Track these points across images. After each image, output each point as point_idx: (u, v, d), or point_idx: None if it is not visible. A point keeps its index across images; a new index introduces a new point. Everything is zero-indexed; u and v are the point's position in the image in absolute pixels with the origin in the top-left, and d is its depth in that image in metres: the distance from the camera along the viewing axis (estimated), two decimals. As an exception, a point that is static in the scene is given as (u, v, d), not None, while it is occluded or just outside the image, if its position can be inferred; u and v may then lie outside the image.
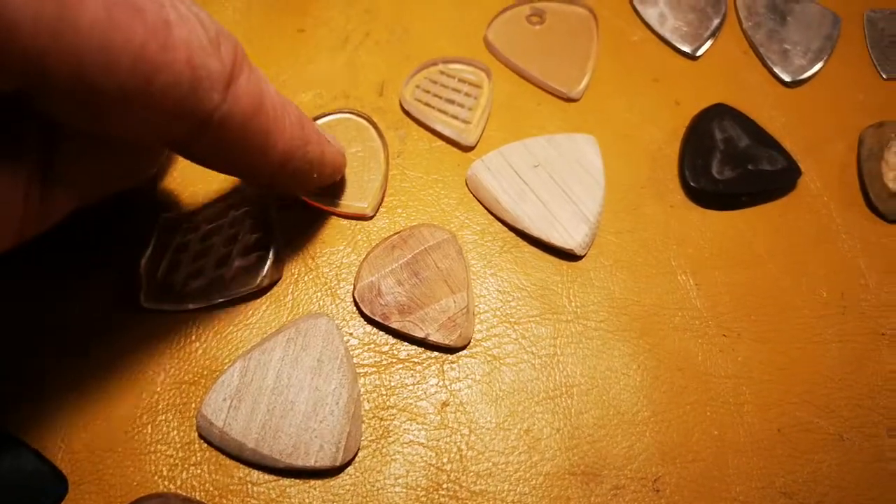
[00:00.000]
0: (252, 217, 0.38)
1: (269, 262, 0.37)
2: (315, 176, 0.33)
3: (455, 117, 0.44)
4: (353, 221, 0.41)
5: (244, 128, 0.26)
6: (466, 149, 0.44)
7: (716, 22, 0.50)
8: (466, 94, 0.45)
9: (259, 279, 0.36)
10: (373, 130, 0.43)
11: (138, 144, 0.30)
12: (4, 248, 0.25)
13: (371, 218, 0.41)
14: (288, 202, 0.40)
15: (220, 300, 0.36)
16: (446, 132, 0.43)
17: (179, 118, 0.23)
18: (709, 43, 0.50)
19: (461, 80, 0.46)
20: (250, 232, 0.37)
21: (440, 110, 0.44)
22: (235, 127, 0.25)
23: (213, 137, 0.25)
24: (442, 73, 0.46)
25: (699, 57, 0.50)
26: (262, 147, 0.27)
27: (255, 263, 0.37)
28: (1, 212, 0.24)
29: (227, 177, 0.40)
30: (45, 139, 0.25)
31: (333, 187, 0.40)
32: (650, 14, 0.51)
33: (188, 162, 0.28)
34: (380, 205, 0.41)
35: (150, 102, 0.21)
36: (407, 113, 0.45)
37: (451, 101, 0.45)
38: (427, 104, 0.44)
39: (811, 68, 0.49)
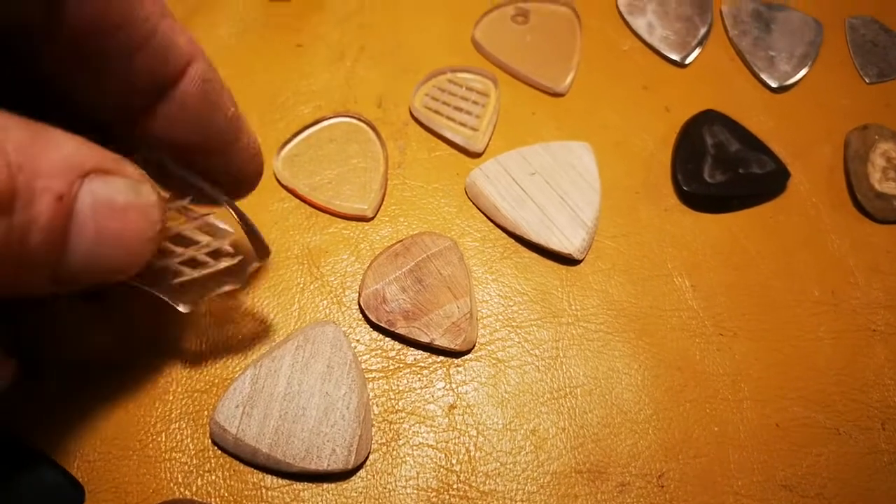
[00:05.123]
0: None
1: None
2: (232, 110, 0.29)
3: (463, 124, 0.45)
4: (356, 231, 0.41)
5: None
6: (474, 155, 0.45)
7: (703, 30, 0.52)
8: (474, 102, 0.46)
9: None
10: (371, 133, 0.44)
11: None
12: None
13: (371, 219, 0.42)
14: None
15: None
16: (455, 139, 0.45)
17: None
18: (696, 51, 0.51)
19: (469, 89, 0.47)
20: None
21: (448, 117, 0.46)
22: None
23: None
24: (450, 81, 0.47)
25: (688, 65, 0.51)
26: None
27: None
28: None
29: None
30: None
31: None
32: (639, 24, 0.52)
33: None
34: (379, 206, 0.42)
35: None
36: (416, 120, 0.46)
37: (460, 109, 0.46)
38: (436, 111, 0.46)
39: (796, 74, 0.51)
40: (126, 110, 0.26)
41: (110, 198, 0.23)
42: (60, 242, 0.22)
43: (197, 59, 0.27)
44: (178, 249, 0.30)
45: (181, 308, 0.32)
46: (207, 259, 0.31)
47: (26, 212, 0.20)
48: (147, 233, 0.25)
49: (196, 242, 0.30)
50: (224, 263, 0.31)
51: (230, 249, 0.31)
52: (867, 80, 0.52)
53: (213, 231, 0.31)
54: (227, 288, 0.32)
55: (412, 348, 0.39)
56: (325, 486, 0.35)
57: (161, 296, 0.32)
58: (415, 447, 0.36)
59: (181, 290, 0.32)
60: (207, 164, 0.30)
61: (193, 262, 0.31)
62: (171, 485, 0.34)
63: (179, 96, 0.27)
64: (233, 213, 0.30)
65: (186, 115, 0.27)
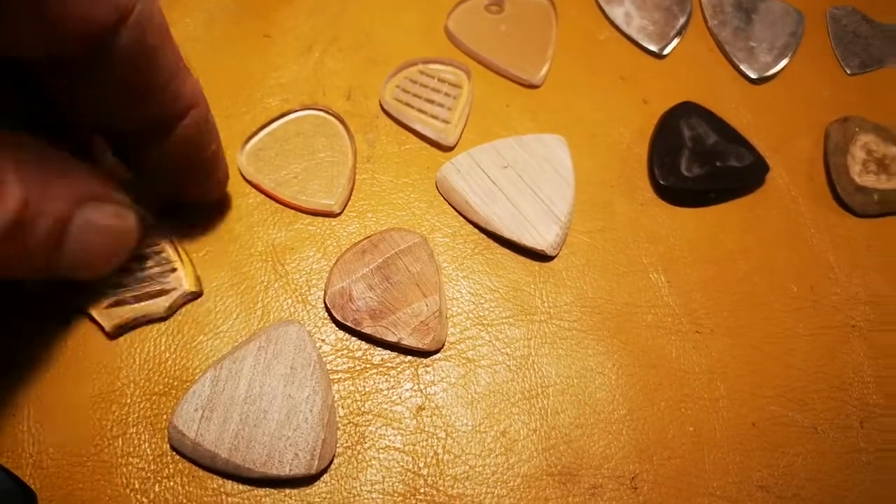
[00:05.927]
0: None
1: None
2: (213, 147, 0.34)
3: (435, 117, 0.44)
4: (322, 227, 0.40)
5: (147, 45, 0.28)
6: (446, 149, 0.44)
7: (682, 20, 0.51)
8: (446, 94, 0.45)
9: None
10: (339, 126, 0.43)
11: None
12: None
13: (338, 215, 0.41)
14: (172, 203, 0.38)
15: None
16: (426, 132, 0.43)
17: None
18: (675, 41, 0.50)
19: (441, 80, 0.46)
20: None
21: (419, 110, 0.44)
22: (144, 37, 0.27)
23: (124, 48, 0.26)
24: (422, 72, 0.46)
25: (666, 55, 0.50)
26: (157, 70, 0.28)
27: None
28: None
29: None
30: None
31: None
32: (616, 13, 0.51)
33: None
34: (347, 202, 0.41)
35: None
36: (387, 113, 0.45)
37: (431, 101, 0.45)
38: (407, 104, 0.44)
39: (776, 65, 0.50)
40: (132, 142, 0.32)
41: (98, 219, 0.28)
42: (52, 250, 0.27)
43: (198, 104, 0.31)
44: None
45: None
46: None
47: (30, 228, 0.25)
48: (120, 250, 0.32)
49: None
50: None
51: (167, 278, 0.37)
52: (848, 72, 0.51)
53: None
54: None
55: (379, 348, 0.37)
56: (287, 491, 0.34)
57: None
58: (381, 450, 0.35)
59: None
60: (180, 186, 0.36)
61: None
62: (128, 491, 0.33)
63: (176, 134, 0.31)
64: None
65: (176, 150, 0.32)
